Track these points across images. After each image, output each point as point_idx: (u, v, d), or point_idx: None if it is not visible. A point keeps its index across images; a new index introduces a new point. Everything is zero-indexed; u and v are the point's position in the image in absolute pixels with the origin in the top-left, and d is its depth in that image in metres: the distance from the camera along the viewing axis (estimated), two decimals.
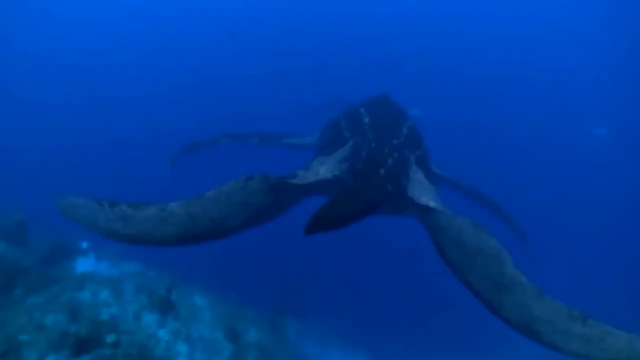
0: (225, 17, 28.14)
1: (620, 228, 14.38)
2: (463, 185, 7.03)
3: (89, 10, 28.39)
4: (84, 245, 7.30)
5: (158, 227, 3.39)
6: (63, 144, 15.52)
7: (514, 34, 26.36)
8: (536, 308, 3.22)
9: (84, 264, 6.86)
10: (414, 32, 26.12)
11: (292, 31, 25.73)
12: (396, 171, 4.35)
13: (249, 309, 7.65)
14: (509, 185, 13.86)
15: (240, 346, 6.61)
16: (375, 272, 12.38)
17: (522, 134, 18.98)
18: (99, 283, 5.88)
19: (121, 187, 13.85)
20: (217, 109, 18.51)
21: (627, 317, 10.51)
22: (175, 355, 5.55)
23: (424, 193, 4.22)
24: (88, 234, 7.54)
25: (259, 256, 10.63)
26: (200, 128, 17.88)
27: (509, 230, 8.21)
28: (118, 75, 21.90)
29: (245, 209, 3.67)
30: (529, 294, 3.27)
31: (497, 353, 10.71)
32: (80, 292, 5.62)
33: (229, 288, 7.62)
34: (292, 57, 23.20)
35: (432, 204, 4.00)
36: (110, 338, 5.07)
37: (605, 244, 13.97)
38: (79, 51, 24.44)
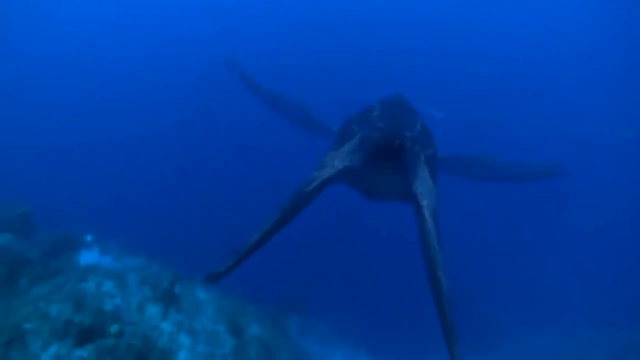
0: (229, 15, 28.22)
1: (624, 228, 14.39)
2: (473, 157, 7.21)
3: (89, 9, 28.50)
4: (88, 238, 7.33)
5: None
6: (66, 140, 15.64)
7: (541, 36, 26.18)
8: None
9: (88, 257, 6.89)
10: (434, 32, 26.00)
11: (312, 32, 25.67)
12: (410, 150, 4.78)
13: (251, 304, 7.67)
14: (527, 187, 13.94)
15: (242, 340, 6.64)
16: (377, 271, 12.42)
17: (543, 136, 18.95)
18: (102, 275, 5.92)
19: (121, 182, 14.01)
20: (218, 110, 18.58)
21: (627, 317, 10.52)
22: (178, 347, 5.58)
23: (424, 193, 4.76)
24: (92, 228, 7.62)
25: (263, 253, 10.64)
26: (201, 128, 18.07)
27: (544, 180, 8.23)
28: (120, 74, 22.02)
29: (279, 227, 4.89)
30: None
31: (498, 352, 10.73)
32: (84, 283, 5.66)
33: (232, 283, 7.65)
34: (311, 58, 23.17)
35: (426, 212, 4.62)
36: (113, 328, 5.10)
37: (607, 243, 13.99)
38: (81, 50, 24.56)
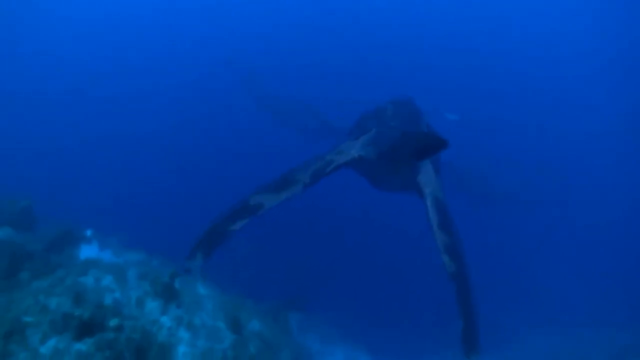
0: (229, 15, 28.24)
1: (624, 228, 14.38)
2: (471, 168, 7.80)
3: (90, 8, 28.55)
4: (89, 233, 7.34)
5: None
6: (69, 137, 15.68)
7: (542, 36, 26.06)
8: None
9: (88, 251, 6.90)
10: (439, 34, 25.95)
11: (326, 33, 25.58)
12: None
13: (251, 301, 7.67)
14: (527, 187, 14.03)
15: (242, 336, 6.62)
16: (379, 270, 12.41)
17: (543, 136, 18.96)
18: (102, 269, 5.92)
19: (123, 178, 14.04)
20: (219, 109, 18.59)
21: (627, 317, 10.51)
22: (178, 342, 5.57)
23: (427, 182, 5.49)
24: (93, 223, 7.62)
25: (264, 250, 10.69)
26: (201, 127, 18.09)
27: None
28: (121, 74, 22.06)
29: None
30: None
31: (498, 352, 10.71)
32: (84, 277, 5.65)
33: (232, 279, 7.66)
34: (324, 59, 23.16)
35: (429, 199, 5.31)
36: (113, 322, 5.10)
37: (607, 243, 13.98)
38: (83, 50, 24.61)
